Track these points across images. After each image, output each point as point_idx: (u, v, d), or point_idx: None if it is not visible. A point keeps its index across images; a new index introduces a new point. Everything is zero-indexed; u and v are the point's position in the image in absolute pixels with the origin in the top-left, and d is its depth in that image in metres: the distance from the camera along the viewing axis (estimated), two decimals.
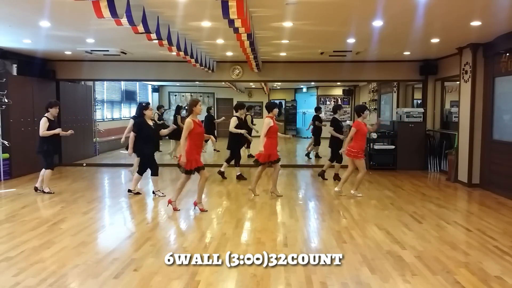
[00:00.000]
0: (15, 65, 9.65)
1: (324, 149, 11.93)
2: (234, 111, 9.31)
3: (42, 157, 7.60)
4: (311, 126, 12.77)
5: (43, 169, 7.63)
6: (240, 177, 9.11)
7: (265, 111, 8.20)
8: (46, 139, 7.49)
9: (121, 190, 8.46)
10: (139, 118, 7.52)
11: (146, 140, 7.34)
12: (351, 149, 7.34)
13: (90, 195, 7.72)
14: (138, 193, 7.61)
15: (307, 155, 12.99)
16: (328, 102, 20.64)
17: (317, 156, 12.78)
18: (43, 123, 7.45)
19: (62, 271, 4.15)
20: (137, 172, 7.65)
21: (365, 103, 18.11)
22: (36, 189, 7.77)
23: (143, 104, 7.51)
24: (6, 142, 9.04)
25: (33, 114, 10.11)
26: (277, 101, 22.83)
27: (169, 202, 6.52)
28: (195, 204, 6.49)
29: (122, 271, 4.13)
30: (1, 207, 6.92)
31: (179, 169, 6.33)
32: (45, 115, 7.55)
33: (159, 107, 13.72)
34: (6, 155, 9.13)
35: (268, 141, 7.26)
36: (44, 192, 7.64)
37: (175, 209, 6.45)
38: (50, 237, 5.20)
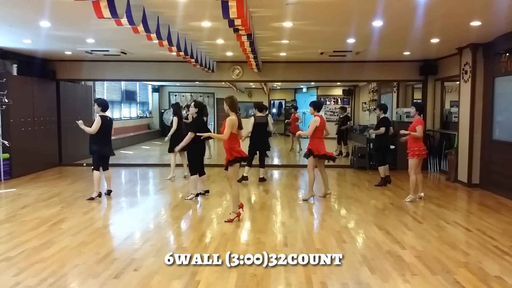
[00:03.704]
0: (15, 65, 9.64)
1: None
2: (257, 112, 8.94)
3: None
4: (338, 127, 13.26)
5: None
6: (243, 178, 8.78)
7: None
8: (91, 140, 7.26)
9: (121, 190, 8.47)
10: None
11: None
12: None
13: (90, 195, 7.71)
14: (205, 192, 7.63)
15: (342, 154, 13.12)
16: (328, 102, 20.65)
17: (347, 156, 12.77)
18: (97, 121, 7.12)
19: (62, 271, 4.15)
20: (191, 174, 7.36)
21: (365, 103, 18.15)
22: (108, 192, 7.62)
23: (187, 104, 7.87)
24: (6, 142, 9.04)
25: (33, 114, 10.12)
26: (278, 101, 22.91)
27: None
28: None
29: (122, 271, 4.14)
30: (1, 207, 6.93)
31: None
32: (100, 114, 7.22)
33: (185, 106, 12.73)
34: (6, 155, 9.13)
35: (314, 140, 7.17)
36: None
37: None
38: (50, 237, 5.20)
